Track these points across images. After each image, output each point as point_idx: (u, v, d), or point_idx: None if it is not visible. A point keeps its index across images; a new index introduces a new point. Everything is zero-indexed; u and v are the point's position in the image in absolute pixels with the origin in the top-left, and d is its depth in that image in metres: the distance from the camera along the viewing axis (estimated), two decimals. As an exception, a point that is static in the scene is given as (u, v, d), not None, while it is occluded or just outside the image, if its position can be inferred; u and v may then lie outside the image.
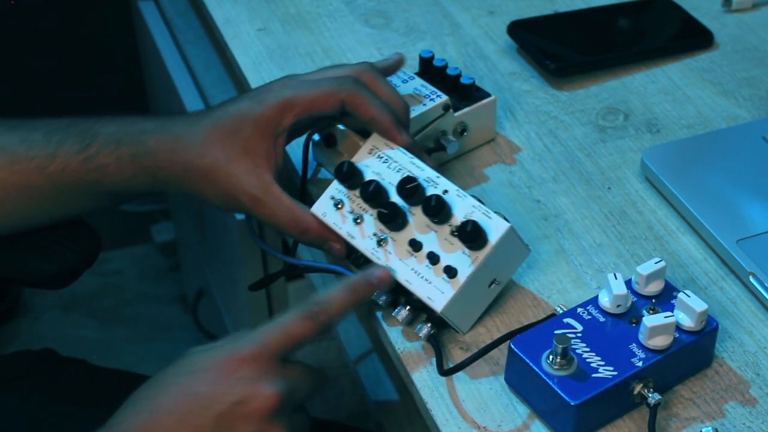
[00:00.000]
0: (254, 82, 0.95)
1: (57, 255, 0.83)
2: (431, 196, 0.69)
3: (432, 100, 0.82)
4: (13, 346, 1.80)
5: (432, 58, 0.87)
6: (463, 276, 0.68)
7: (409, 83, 0.83)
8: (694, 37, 0.99)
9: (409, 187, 0.70)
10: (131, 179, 0.76)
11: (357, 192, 0.73)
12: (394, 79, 0.83)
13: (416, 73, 0.86)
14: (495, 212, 0.69)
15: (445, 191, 0.71)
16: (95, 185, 0.77)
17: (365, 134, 0.78)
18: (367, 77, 0.76)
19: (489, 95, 0.86)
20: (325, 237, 0.74)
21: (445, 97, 0.82)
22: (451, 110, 0.83)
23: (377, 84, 0.76)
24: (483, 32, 1.01)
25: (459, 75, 0.85)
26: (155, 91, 1.61)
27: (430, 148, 0.83)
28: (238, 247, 1.22)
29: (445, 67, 0.86)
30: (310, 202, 0.83)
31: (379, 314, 0.74)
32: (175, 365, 0.66)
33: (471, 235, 0.67)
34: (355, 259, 0.74)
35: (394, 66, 0.81)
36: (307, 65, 0.97)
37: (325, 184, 0.83)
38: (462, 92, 0.85)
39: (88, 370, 0.94)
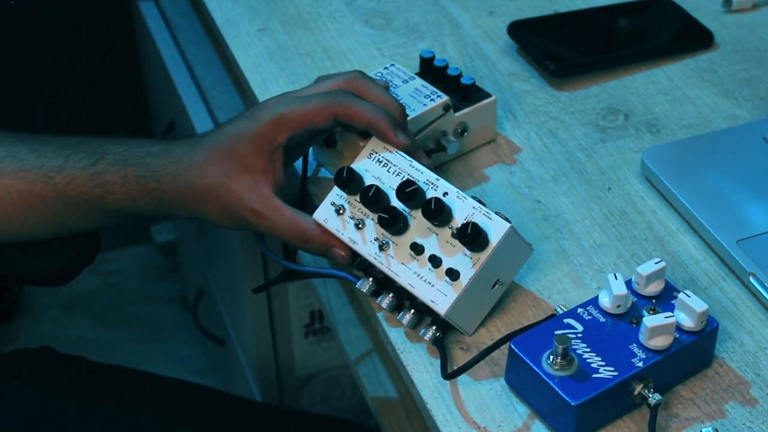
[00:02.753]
0: (254, 82, 0.95)
1: (56, 252, 0.84)
2: (431, 199, 0.69)
3: (432, 100, 0.82)
4: (13, 346, 1.79)
5: (432, 58, 0.87)
6: (465, 278, 0.68)
7: (409, 83, 0.83)
8: (694, 38, 0.99)
9: (409, 191, 0.70)
10: (136, 200, 0.77)
11: (357, 197, 0.73)
12: (394, 80, 0.84)
13: (417, 74, 0.86)
14: (496, 213, 0.69)
15: (445, 193, 0.71)
16: (100, 202, 0.78)
17: (365, 134, 0.78)
18: (357, 84, 0.76)
19: (489, 95, 0.86)
20: (328, 244, 0.74)
21: (445, 98, 0.82)
22: (451, 110, 0.83)
23: (368, 89, 0.76)
24: (483, 32, 1.01)
25: (459, 75, 0.85)
26: (155, 91, 1.62)
27: (430, 148, 0.83)
28: (239, 247, 1.22)
29: (446, 67, 0.86)
30: (310, 202, 0.83)
31: (379, 315, 0.74)
32: None
33: (471, 236, 0.67)
34: (358, 264, 0.74)
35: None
36: (307, 65, 0.97)
37: (325, 184, 0.83)
38: (462, 92, 0.85)
39: (86, 366, 0.95)
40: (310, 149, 0.84)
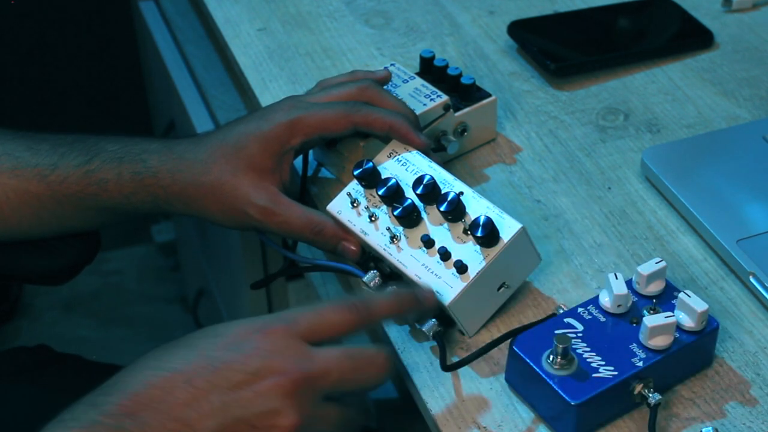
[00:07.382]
0: (254, 82, 0.95)
1: (57, 251, 0.84)
2: (446, 193, 0.70)
3: (432, 100, 0.82)
4: (13, 346, 1.80)
5: (433, 58, 0.87)
6: (473, 272, 0.68)
7: (409, 83, 0.83)
8: (694, 37, 0.99)
9: (426, 183, 0.71)
10: (131, 197, 0.77)
11: (373, 191, 0.73)
12: (394, 79, 0.84)
13: (417, 73, 0.86)
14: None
15: (461, 193, 0.71)
16: (94, 200, 0.78)
17: (366, 136, 0.78)
18: (371, 93, 0.77)
19: (489, 95, 0.86)
20: (339, 237, 0.74)
21: (445, 97, 0.82)
22: (451, 110, 0.83)
23: (382, 97, 0.78)
24: (483, 32, 1.01)
25: (459, 75, 0.85)
26: (155, 91, 1.62)
27: (430, 148, 0.83)
28: (239, 246, 1.22)
29: (446, 67, 0.86)
30: (310, 201, 0.83)
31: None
32: (200, 331, 0.62)
33: (483, 230, 0.67)
34: (365, 261, 0.74)
35: (383, 80, 0.82)
36: (307, 65, 0.97)
37: (325, 184, 0.83)
38: (462, 92, 0.85)
39: (82, 365, 0.94)
40: (310, 149, 0.84)
